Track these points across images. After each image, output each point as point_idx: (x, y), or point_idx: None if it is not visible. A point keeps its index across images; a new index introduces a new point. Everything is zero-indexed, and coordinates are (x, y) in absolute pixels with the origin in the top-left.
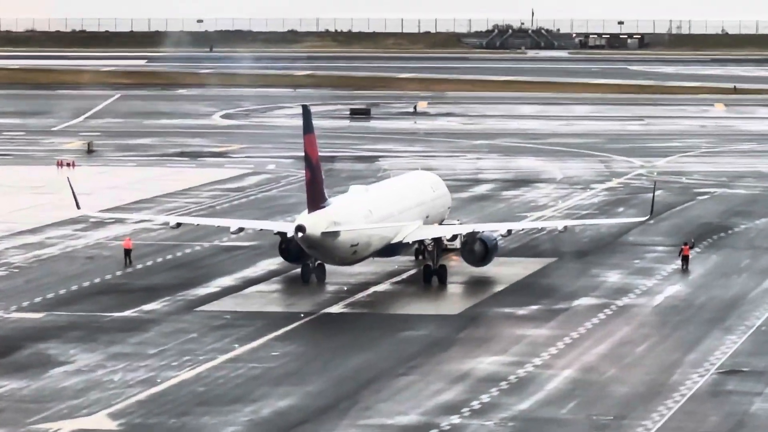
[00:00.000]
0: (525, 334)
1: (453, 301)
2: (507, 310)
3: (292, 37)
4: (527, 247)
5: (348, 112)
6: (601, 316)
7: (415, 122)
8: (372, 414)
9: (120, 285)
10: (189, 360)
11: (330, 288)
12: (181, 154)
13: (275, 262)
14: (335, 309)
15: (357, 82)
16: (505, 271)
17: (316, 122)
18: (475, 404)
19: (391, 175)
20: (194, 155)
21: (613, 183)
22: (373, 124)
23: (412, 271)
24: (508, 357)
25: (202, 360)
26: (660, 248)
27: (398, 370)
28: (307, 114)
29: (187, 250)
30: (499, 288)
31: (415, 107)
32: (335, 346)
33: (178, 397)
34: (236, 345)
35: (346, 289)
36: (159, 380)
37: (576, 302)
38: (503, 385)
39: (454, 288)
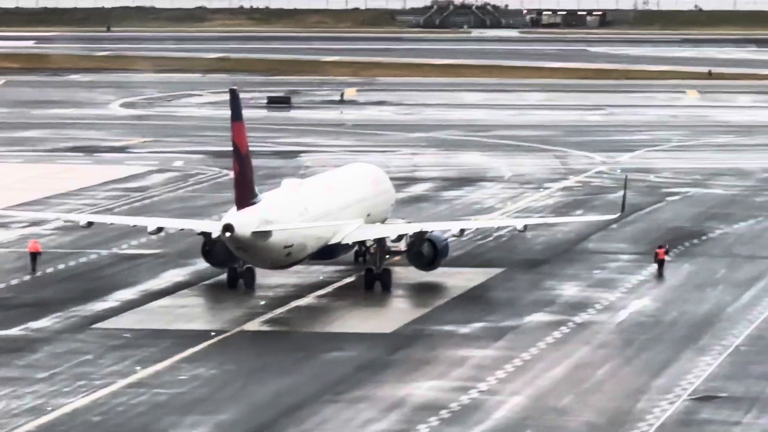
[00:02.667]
0: (469, 355)
1: (387, 317)
2: (448, 327)
3: (201, 14)
4: (472, 255)
5: (265, 101)
6: (557, 334)
7: (341, 112)
8: None
9: (4, 299)
10: (83, 385)
11: (246, 303)
12: (75, 149)
13: (182, 273)
14: (251, 326)
15: (275, 66)
16: (446, 282)
17: (228, 112)
18: None
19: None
20: (90, 150)
21: (570, 182)
22: (294, 114)
23: (347, 279)
24: (450, 382)
25: (98, 385)
26: (624, 257)
27: (324, 397)
28: (235, 99)
29: (82, 259)
30: (439, 302)
31: (341, 95)
32: (251, 369)
33: (71, 428)
34: (138, 368)
35: (262, 303)
36: (49, 408)
37: (527, 319)
38: (444, 413)
39: (388, 301)
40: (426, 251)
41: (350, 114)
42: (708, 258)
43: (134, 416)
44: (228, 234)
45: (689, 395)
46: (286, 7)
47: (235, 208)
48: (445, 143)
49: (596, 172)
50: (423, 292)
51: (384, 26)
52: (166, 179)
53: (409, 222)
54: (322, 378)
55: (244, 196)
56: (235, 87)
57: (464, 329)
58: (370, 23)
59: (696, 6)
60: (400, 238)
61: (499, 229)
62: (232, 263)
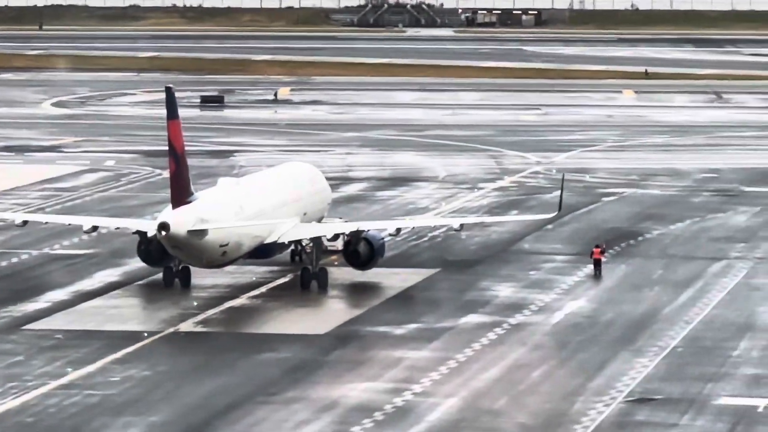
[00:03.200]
0: (403, 356)
1: (321, 318)
2: (382, 328)
3: (134, 12)
4: (406, 256)
5: (198, 100)
6: (492, 335)
7: (275, 111)
8: None
9: None
10: (14, 386)
11: (179, 303)
12: (6, 149)
13: (114, 273)
14: (185, 327)
15: (208, 65)
16: (381, 283)
17: (162, 111)
18: None
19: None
20: (21, 149)
21: (505, 182)
22: (227, 113)
23: (281, 280)
24: (384, 383)
25: (30, 386)
26: (560, 257)
27: (257, 398)
28: (170, 97)
29: (13, 259)
30: (374, 303)
31: (275, 94)
32: (184, 370)
33: (3, 429)
34: (70, 369)
35: (195, 304)
36: None
37: (462, 320)
38: (378, 415)
39: (323, 302)
40: (362, 250)
41: (284, 113)
42: (644, 259)
43: (66, 417)
44: (163, 233)
45: (625, 397)
46: (219, 5)
47: (170, 206)
48: (380, 143)
49: (531, 173)
50: (358, 292)
51: (318, 25)
52: (98, 179)
53: (346, 221)
54: (256, 379)
55: (180, 195)
56: (170, 85)
57: (399, 330)
58: (304, 22)
59: (632, 5)
60: (336, 237)
61: (435, 228)
62: (168, 262)
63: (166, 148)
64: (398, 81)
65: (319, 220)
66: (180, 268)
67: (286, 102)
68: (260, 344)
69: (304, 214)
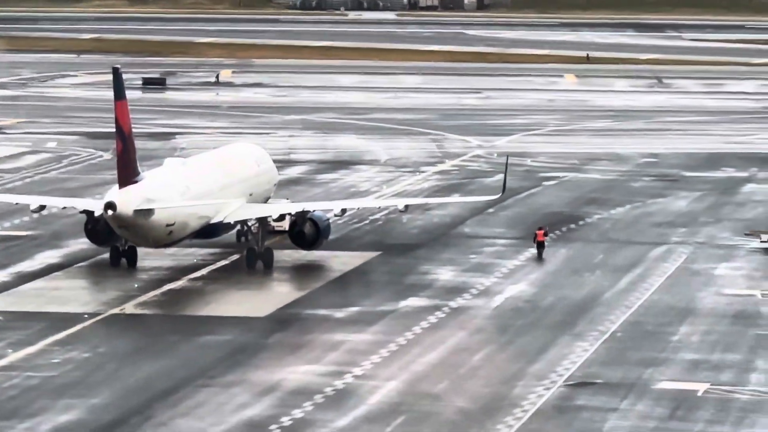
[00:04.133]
0: (344, 339)
1: (261, 300)
2: (323, 312)
3: None
4: (348, 239)
5: (140, 82)
6: (432, 319)
7: (217, 94)
8: (167, 431)
9: None
10: None
11: (120, 286)
12: None
13: (56, 255)
14: (126, 310)
15: (150, 47)
16: (323, 266)
17: (104, 93)
18: (286, 420)
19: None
20: None
21: (447, 165)
22: (169, 95)
23: (223, 262)
24: (324, 366)
25: None
26: (500, 241)
27: (198, 381)
28: (118, 78)
29: None
30: (315, 286)
31: (217, 77)
32: (125, 352)
33: None
34: (10, 350)
35: (136, 286)
36: None
37: (403, 303)
38: (318, 398)
39: (264, 284)
40: (308, 231)
41: (226, 96)
42: (585, 243)
43: (6, 400)
44: (110, 212)
45: (565, 381)
46: None
47: (117, 186)
48: (321, 126)
49: (472, 156)
50: (300, 275)
51: (260, 8)
52: (39, 160)
53: (292, 202)
54: (196, 362)
55: (127, 175)
56: (118, 66)
57: (339, 313)
58: (246, 4)
59: None
60: (282, 217)
61: (379, 210)
62: (115, 242)
63: (108, 129)
64: (340, 64)
65: (265, 201)
66: (126, 247)
67: (228, 84)
68: (201, 327)
69: (250, 194)
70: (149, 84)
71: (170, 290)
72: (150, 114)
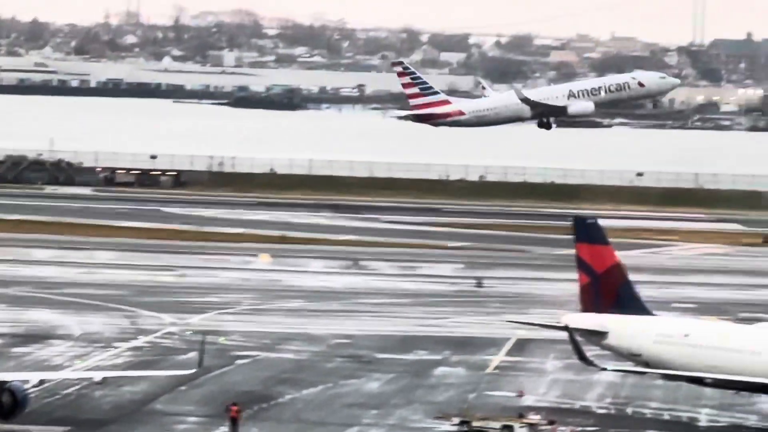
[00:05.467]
0: None
1: None
2: None
3: None
4: (38, 413)
5: None
6: None
7: None
8: None
9: None
10: None
11: None
12: None
13: None
14: None
15: None
16: None
17: None
18: None
19: None
20: None
21: (140, 341)
22: None
23: None
24: None
25: None
26: (191, 419)
27: None
28: None
29: None
30: None
31: None
32: None
33: None
34: None
35: None
36: None
37: None
38: None
39: None
40: (6, 401)
41: None
42: (277, 423)
43: None
44: None
45: None
46: None
47: None
48: (15, 299)
49: (165, 333)
50: None
51: None
52: None
53: None
54: None
55: None
56: None
57: None
58: None
59: (271, 169)
60: None
61: (74, 383)
62: None
63: None
64: (35, 238)
65: None
66: None
67: None
68: None
69: None
70: None
71: None
72: None
